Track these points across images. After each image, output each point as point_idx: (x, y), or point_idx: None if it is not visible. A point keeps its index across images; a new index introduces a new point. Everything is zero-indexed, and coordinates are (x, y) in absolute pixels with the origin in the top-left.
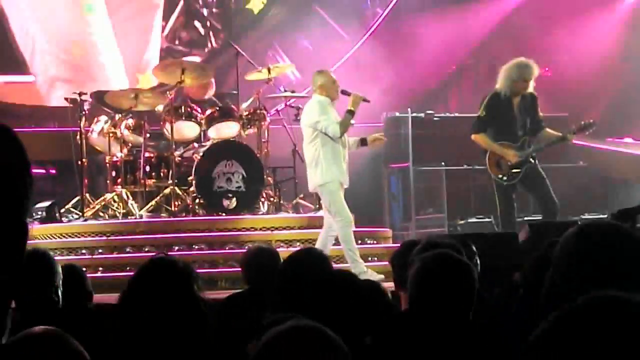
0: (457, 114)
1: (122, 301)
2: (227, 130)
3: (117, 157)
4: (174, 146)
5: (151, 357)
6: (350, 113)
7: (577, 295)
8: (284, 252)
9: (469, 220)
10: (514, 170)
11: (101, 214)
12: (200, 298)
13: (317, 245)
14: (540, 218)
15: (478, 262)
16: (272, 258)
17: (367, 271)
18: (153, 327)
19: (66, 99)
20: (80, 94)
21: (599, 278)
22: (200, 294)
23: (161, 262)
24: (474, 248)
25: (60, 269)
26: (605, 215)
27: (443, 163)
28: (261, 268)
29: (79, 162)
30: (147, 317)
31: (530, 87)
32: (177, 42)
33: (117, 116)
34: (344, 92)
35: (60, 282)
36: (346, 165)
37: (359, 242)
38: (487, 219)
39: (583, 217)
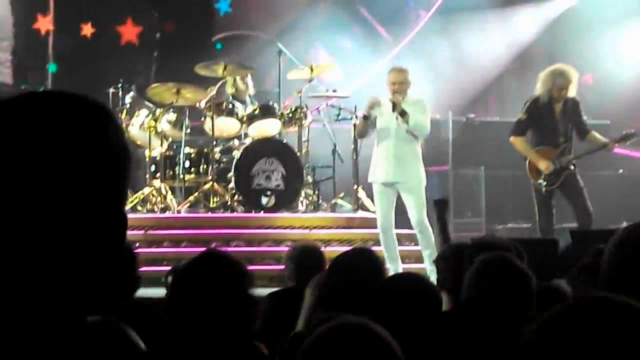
0: (498, 119)
1: (171, 290)
2: (267, 128)
3: (156, 152)
4: (214, 142)
5: (194, 352)
6: (363, 117)
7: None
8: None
9: (508, 226)
10: (554, 176)
11: (139, 207)
12: (252, 298)
13: None
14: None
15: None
16: (319, 256)
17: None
18: (199, 321)
19: (107, 91)
20: (121, 87)
21: None
22: (250, 291)
23: (214, 256)
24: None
25: None
26: None
27: (483, 167)
28: (308, 265)
29: None
30: (194, 311)
31: (573, 92)
32: None
33: (158, 110)
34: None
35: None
36: (390, 161)
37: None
38: (525, 225)
39: (622, 225)
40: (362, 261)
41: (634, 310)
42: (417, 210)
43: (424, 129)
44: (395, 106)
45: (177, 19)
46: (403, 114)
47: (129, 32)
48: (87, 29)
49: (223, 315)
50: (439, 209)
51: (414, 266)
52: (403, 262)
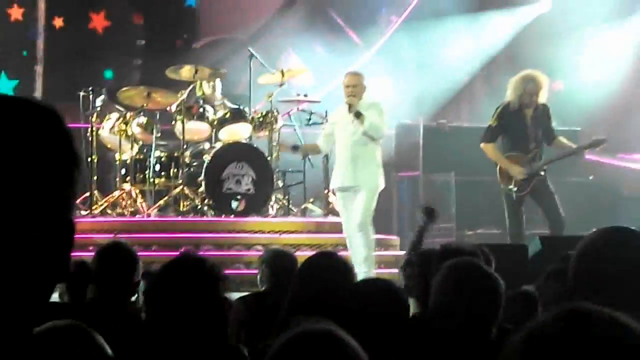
0: (468, 124)
1: (147, 295)
2: (238, 132)
3: (127, 155)
4: (184, 146)
5: (170, 355)
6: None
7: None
8: None
9: (478, 231)
10: (524, 183)
11: (109, 211)
12: (225, 300)
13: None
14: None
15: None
16: (293, 261)
17: None
18: (175, 325)
19: (78, 94)
20: (92, 90)
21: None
22: (225, 294)
23: (189, 260)
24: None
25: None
26: None
27: (453, 173)
28: (282, 269)
29: (89, 159)
30: (170, 315)
31: (543, 98)
32: None
33: (129, 114)
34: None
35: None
36: (346, 165)
37: None
38: (496, 231)
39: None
40: (329, 265)
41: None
42: (362, 213)
43: (379, 130)
44: (350, 107)
45: (147, 19)
46: (358, 115)
47: (99, 21)
48: (58, 22)
49: (198, 318)
50: (428, 217)
51: (386, 271)
52: (375, 267)
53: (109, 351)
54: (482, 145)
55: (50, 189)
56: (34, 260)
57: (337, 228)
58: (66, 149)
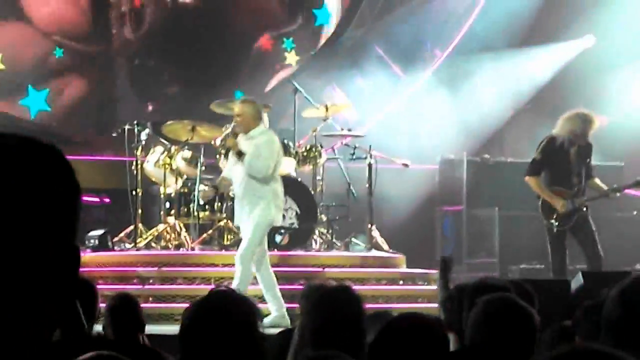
0: (512, 159)
1: (181, 332)
2: (282, 166)
3: (171, 189)
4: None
5: None
6: None
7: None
8: None
9: (521, 266)
10: (566, 217)
11: (154, 244)
12: (261, 335)
13: None
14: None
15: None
16: None
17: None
18: (211, 358)
19: (123, 128)
20: (137, 124)
21: None
22: (261, 330)
23: (223, 295)
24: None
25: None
26: None
27: (497, 207)
28: None
29: (134, 192)
30: (206, 348)
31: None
32: None
33: (173, 147)
34: None
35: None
36: (237, 202)
37: (410, 283)
38: (539, 266)
39: (636, 267)
40: (335, 301)
41: None
42: (246, 246)
43: (259, 170)
44: (230, 146)
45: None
46: (239, 154)
47: None
48: None
49: (234, 352)
50: (443, 267)
51: (429, 306)
52: (416, 302)
53: None
54: (526, 178)
55: (56, 218)
56: (43, 284)
57: (381, 262)
58: (68, 180)
